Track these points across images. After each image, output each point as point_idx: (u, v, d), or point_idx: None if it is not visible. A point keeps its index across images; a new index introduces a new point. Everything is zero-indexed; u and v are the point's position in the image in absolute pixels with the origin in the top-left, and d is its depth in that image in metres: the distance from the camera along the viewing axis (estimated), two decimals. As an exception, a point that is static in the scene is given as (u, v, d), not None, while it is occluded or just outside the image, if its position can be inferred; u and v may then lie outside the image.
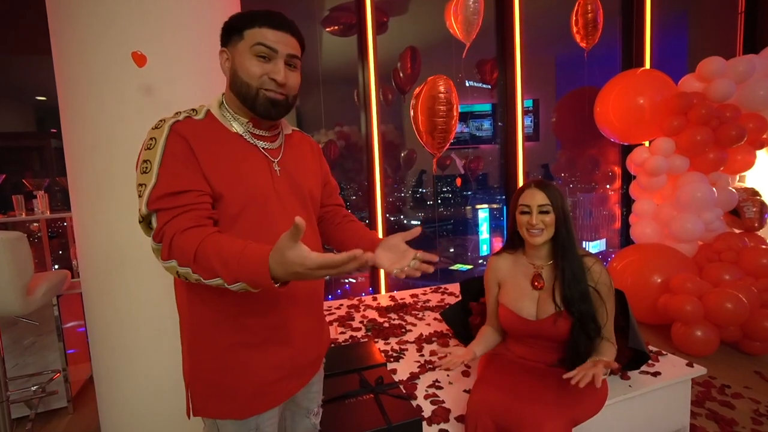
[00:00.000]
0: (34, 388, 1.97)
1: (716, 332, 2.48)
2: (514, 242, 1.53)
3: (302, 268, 0.65)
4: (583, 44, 3.21)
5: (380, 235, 3.64)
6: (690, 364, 1.83)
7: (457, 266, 4.82)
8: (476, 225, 4.79)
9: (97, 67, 1.60)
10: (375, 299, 3.04)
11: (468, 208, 4.88)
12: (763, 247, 2.78)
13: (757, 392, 2.11)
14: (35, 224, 2.91)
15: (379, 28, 3.84)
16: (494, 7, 3.83)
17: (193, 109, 0.89)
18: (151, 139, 0.82)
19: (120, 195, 1.65)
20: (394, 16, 4.00)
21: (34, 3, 1.92)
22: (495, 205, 4.85)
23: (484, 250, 4.82)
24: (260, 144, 0.92)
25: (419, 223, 4.69)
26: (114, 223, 1.67)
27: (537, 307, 1.44)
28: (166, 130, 0.81)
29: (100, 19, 1.55)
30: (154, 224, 0.78)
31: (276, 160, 0.94)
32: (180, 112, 0.87)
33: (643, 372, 1.77)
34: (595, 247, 4.80)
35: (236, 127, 0.90)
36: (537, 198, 1.40)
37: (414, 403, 1.60)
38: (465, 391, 1.70)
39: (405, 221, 4.73)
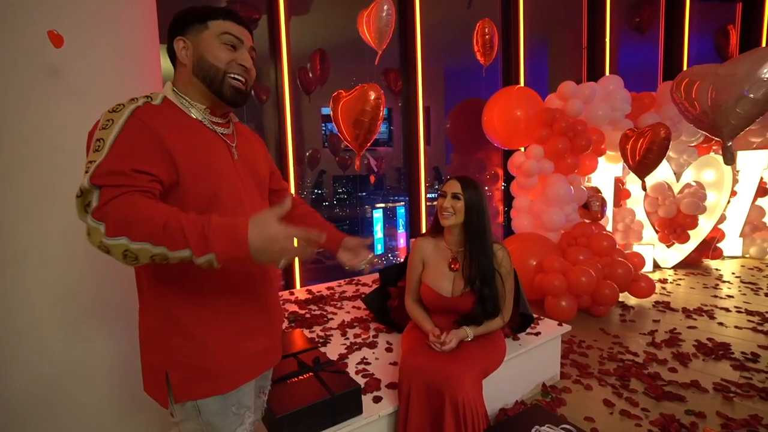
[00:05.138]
0: None
1: (575, 301, 3.12)
2: (437, 228, 1.78)
3: (281, 232, 0.71)
4: (482, 61, 3.73)
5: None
6: (560, 324, 2.32)
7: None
8: (372, 225, 5.06)
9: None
10: (292, 293, 3.09)
11: (367, 207, 5.14)
12: (604, 232, 3.56)
13: (601, 343, 2.74)
14: None
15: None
16: (398, 19, 4.15)
17: (148, 96, 0.88)
18: (107, 120, 0.80)
19: (12, 186, 1.47)
20: (295, 15, 4.06)
21: None
22: (391, 205, 5.18)
23: (378, 249, 5.11)
24: (218, 130, 0.95)
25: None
26: (2, 217, 1.48)
27: (452, 286, 1.70)
28: (126, 114, 0.80)
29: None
30: (95, 202, 0.72)
31: (234, 145, 0.98)
32: (136, 98, 0.85)
33: (528, 333, 2.19)
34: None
35: (195, 114, 0.92)
36: (453, 186, 1.66)
37: (348, 378, 1.76)
38: (391, 363, 1.91)
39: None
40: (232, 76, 0.92)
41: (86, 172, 0.74)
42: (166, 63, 2.01)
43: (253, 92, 3.53)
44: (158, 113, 0.85)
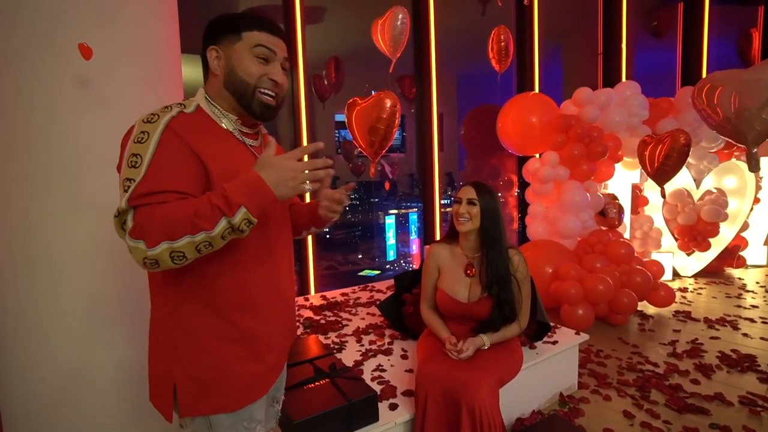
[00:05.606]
0: None
1: (592, 309, 3.06)
2: (452, 234, 1.78)
3: (279, 158, 0.79)
4: (497, 67, 3.72)
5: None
6: (577, 333, 2.28)
7: (366, 272, 5.06)
8: (384, 231, 5.06)
9: (21, 54, 1.46)
10: (307, 299, 3.11)
11: (379, 213, 5.15)
12: (621, 240, 3.50)
13: (620, 353, 2.69)
14: None
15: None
16: (412, 26, 4.18)
17: (181, 103, 0.88)
18: (142, 132, 0.79)
19: (38, 192, 1.52)
20: (310, 24, 4.12)
21: None
22: (403, 211, 5.18)
23: (391, 255, 5.09)
24: (247, 141, 0.96)
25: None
26: (31, 223, 1.52)
27: (469, 291, 1.70)
28: (161, 126, 0.80)
29: (32, 4, 1.44)
30: (130, 222, 0.75)
31: None
32: (170, 106, 0.85)
33: (545, 342, 2.16)
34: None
35: (226, 124, 0.92)
36: (468, 193, 1.67)
37: (363, 385, 1.75)
38: (406, 371, 1.90)
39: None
40: (262, 91, 0.91)
41: (125, 191, 0.76)
42: (186, 74, 2.06)
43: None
44: (191, 123, 0.85)
